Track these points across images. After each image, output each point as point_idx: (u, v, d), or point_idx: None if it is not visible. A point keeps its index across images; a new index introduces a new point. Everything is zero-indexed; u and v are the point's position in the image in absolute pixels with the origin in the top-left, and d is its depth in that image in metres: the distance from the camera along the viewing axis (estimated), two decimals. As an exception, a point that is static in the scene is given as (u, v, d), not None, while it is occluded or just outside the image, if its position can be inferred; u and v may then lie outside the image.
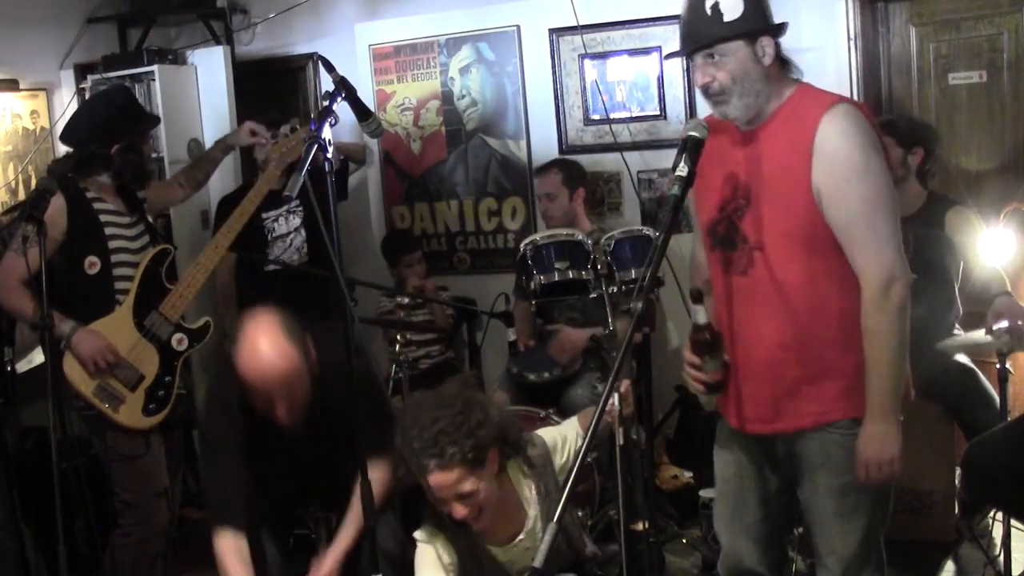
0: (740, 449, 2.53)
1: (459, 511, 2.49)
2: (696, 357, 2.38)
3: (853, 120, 2.25)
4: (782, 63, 2.36)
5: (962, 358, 3.76)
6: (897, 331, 2.26)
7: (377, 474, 2.59)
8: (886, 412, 2.29)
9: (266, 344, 2.59)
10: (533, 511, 2.69)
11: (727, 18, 2.25)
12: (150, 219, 3.68)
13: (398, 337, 4.07)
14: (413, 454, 2.48)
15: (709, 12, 2.26)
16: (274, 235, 4.50)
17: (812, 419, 2.37)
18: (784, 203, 2.28)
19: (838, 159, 2.22)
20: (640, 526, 2.88)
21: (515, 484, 2.69)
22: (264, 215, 4.43)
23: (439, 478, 2.46)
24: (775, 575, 2.63)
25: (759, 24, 2.29)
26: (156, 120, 4.01)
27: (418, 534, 2.65)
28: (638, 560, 2.79)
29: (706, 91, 2.30)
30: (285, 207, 4.44)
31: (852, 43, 4.45)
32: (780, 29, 2.35)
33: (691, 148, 2.20)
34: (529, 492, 2.70)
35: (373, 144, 5.04)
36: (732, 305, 2.38)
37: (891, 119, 3.86)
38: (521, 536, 2.70)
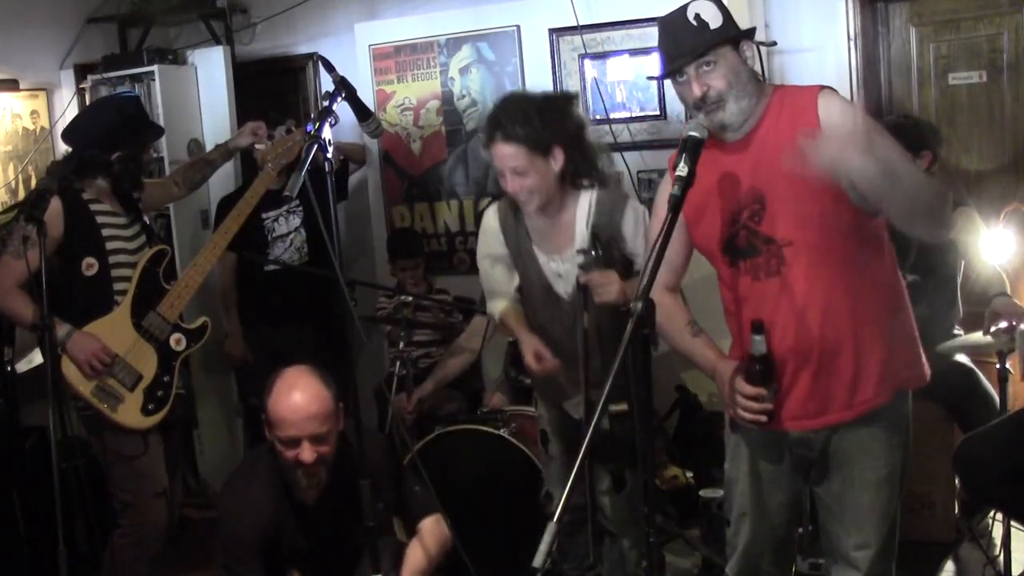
0: (766, 456, 2.53)
1: (512, 183, 2.91)
2: (758, 389, 2.32)
3: (842, 97, 2.39)
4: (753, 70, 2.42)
5: (962, 358, 3.76)
6: (942, 198, 2.26)
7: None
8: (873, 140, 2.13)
9: (303, 384, 2.63)
10: (579, 238, 2.98)
11: (713, 26, 2.30)
12: (147, 220, 3.68)
13: (402, 334, 4.07)
14: (491, 123, 2.94)
15: (695, 23, 2.30)
16: (274, 235, 4.50)
17: (862, 407, 2.39)
18: (808, 190, 2.28)
19: (852, 126, 2.23)
20: (623, 407, 2.93)
21: (574, 203, 3.01)
22: (264, 215, 4.43)
23: (500, 149, 2.90)
24: (785, 572, 2.66)
25: (738, 29, 2.35)
26: (160, 132, 4.01)
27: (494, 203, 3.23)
28: (626, 438, 2.92)
29: (703, 100, 2.31)
30: (285, 207, 4.44)
31: (852, 43, 4.45)
32: (753, 33, 2.41)
33: (691, 148, 2.20)
34: (584, 216, 3.00)
35: (373, 144, 5.04)
36: (769, 310, 2.36)
37: (899, 122, 3.84)
38: (559, 254, 3.04)
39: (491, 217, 3.20)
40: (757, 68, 2.42)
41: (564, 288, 3.06)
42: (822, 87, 2.36)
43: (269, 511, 2.69)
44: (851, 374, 2.38)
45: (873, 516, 2.45)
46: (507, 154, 2.90)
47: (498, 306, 3.21)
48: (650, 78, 2.57)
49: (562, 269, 3.06)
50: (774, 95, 2.40)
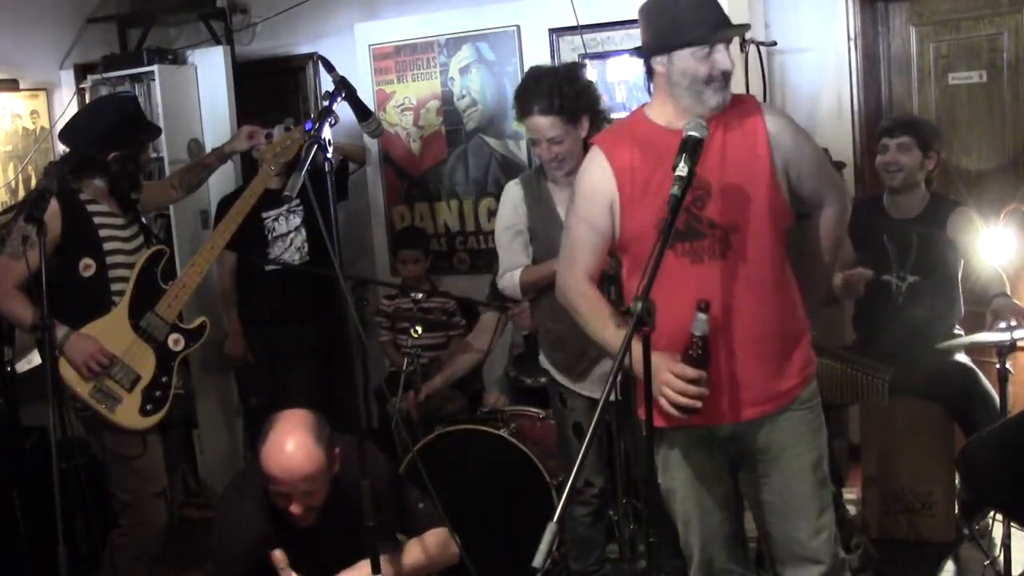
0: (697, 458, 2.52)
1: (547, 152, 3.19)
2: (700, 372, 2.28)
3: (778, 110, 2.62)
4: None
5: (962, 358, 3.76)
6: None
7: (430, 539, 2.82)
8: None
9: (294, 443, 2.57)
10: None
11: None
12: (144, 220, 3.68)
13: (412, 333, 4.07)
14: (525, 98, 3.20)
15: (719, 7, 2.41)
16: (274, 234, 4.50)
17: (792, 394, 2.46)
18: (753, 184, 2.39)
19: (793, 137, 2.48)
20: None
21: None
22: (264, 214, 4.43)
23: (539, 121, 3.16)
24: (745, 567, 2.66)
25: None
26: (158, 132, 4.00)
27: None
28: None
29: (719, 77, 2.36)
30: (285, 206, 4.44)
31: (852, 43, 4.45)
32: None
33: (691, 148, 2.21)
34: None
35: (373, 144, 5.04)
36: (708, 293, 2.35)
37: (912, 120, 3.84)
38: None
39: (513, 188, 3.43)
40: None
41: None
42: (755, 98, 2.55)
43: (261, 528, 2.68)
44: (779, 362, 2.44)
45: (817, 501, 2.48)
46: (545, 125, 3.17)
47: (516, 273, 3.38)
48: (721, 39, 2.53)
49: None
50: None
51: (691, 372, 2.27)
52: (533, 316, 3.57)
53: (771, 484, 2.49)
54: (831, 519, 2.51)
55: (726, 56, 2.36)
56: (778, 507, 2.50)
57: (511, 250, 3.39)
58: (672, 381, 2.28)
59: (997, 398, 3.43)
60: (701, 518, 2.56)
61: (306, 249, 4.53)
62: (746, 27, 2.49)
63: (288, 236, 4.51)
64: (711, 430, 2.47)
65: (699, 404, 2.29)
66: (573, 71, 3.31)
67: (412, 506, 2.85)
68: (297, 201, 4.41)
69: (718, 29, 2.37)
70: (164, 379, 3.46)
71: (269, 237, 4.49)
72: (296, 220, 4.51)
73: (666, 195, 2.32)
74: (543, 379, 3.96)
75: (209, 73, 5.05)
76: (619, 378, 2.75)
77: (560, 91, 3.16)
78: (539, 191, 3.34)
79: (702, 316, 2.25)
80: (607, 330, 2.46)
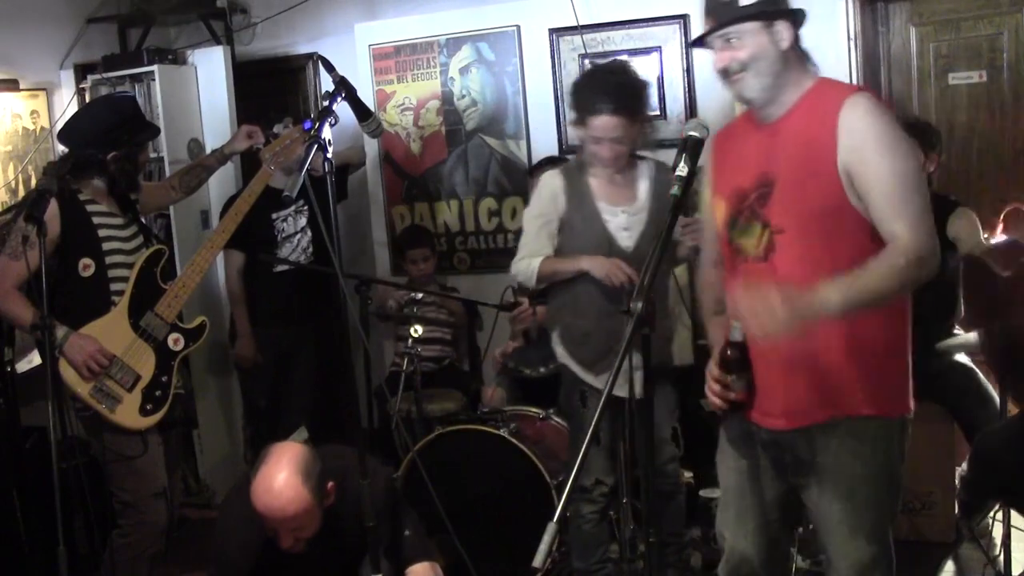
0: (746, 454, 2.51)
1: (608, 150, 3.19)
2: (725, 375, 2.33)
3: (875, 105, 2.27)
4: (802, 55, 2.37)
5: (962, 358, 3.76)
6: (902, 283, 2.19)
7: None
8: (833, 298, 2.11)
9: (281, 483, 2.57)
10: (643, 196, 3.33)
11: (743, 2, 2.29)
12: (144, 220, 3.68)
13: (412, 333, 4.08)
14: (592, 95, 3.18)
15: (723, 3, 2.32)
16: (283, 235, 4.49)
17: (831, 413, 2.32)
18: (807, 183, 2.27)
19: (866, 137, 2.22)
20: None
21: (635, 168, 3.36)
22: (274, 215, 4.42)
23: (607, 121, 3.14)
24: (776, 574, 2.63)
25: (767, 9, 2.30)
26: (156, 131, 4.01)
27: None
28: None
29: (725, 73, 2.34)
30: (293, 207, 4.44)
31: (852, 43, 4.45)
32: (797, 15, 2.34)
33: (691, 148, 2.20)
34: (647, 178, 3.35)
35: (373, 144, 5.03)
36: None
37: (915, 122, 3.83)
38: (625, 208, 3.32)
39: (555, 177, 3.40)
40: (794, 52, 2.35)
41: (628, 242, 3.30)
42: (856, 91, 2.30)
43: (259, 536, 2.69)
44: (827, 378, 2.31)
45: (845, 528, 2.37)
46: (612, 125, 3.16)
47: (535, 260, 3.35)
48: (691, 45, 2.61)
49: (628, 222, 3.31)
50: (814, 86, 2.35)
51: (716, 373, 2.35)
52: (548, 312, 3.56)
53: (811, 497, 2.43)
54: (867, 549, 2.37)
55: (725, 51, 2.31)
56: (815, 516, 2.47)
57: (537, 238, 3.38)
58: (708, 380, 2.37)
59: (997, 398, 3.43)
60: (738, 515, 2.55)
61: (311, 250, 4.52)
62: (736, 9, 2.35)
63: (295, 237, 4.51)
64: (753, 429, 2.46)
65: (725, 405, 2.36)
66: (630, 70, 3.35)
67: (400, 533, 2.84)
68: (302, 202, 4.41)
69: (712, 28, 2.34)
70: (164, 379, 3.46)
71: (279, 238, 4.48)
72: (302, 221, 4.50)
73: (735, 190, 2.38)
74: (542, 368, 3.96)
75: (209, 73, 5.05)
76: (635, 376, 2.76)
77: (628, 91, 3.19)
78: (580, 184, 3.35)
79: (736, 323, 2.28)
80: (706, 318, 2.58)
